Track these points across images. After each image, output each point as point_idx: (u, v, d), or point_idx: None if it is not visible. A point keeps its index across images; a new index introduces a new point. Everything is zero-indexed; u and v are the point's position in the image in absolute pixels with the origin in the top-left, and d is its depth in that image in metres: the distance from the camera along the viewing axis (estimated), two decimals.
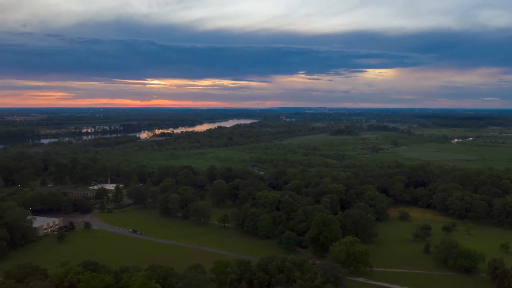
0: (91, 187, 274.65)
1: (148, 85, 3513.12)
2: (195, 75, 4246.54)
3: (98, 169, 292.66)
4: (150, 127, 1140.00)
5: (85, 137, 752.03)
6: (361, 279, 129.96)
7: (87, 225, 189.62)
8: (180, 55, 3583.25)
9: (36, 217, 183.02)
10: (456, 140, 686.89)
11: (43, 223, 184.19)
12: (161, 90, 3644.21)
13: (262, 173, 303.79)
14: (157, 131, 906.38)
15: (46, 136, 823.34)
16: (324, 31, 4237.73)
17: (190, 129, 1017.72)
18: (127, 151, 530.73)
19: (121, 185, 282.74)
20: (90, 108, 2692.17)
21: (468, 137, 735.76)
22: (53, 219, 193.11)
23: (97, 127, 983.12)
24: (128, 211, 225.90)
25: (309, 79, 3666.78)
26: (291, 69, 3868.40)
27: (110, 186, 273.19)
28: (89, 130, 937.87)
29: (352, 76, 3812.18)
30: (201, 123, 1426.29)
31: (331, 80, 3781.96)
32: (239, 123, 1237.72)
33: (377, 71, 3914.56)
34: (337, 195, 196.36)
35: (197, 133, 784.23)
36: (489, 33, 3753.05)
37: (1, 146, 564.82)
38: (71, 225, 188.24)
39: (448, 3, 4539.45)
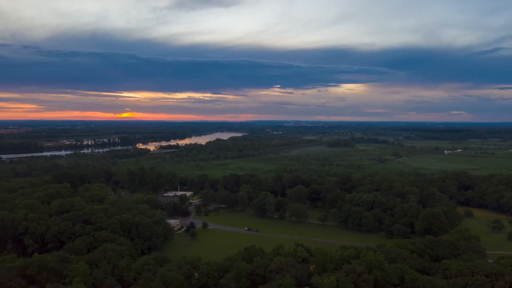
0: (169, 194, 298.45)
1: (120, 98, 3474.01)
2: (170, 88, 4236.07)
3: (168, 177, 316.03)
4: (144, 140, 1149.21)
5: (98, 150, 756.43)
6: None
7: (205, 225, 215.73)
8: (156, 68, 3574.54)
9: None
10: (447, 152, 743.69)
11: (172, 222, 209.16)
12: (135, 103, 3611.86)
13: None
14: (163, 144, 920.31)
15: (49, 149, 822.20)
16: (299, 47, 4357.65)
17: (181, 142, 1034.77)
18: (152, 162, 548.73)
19: (190, 192, 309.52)
20: (66, 121, 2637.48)
21: (456, 149, 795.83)
22: (175, 220, 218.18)
23: (96, 140, 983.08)
24: (222, 214, 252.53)
25: (284, 93, 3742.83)
26: (266, 83, 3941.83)
27: (180, 193, 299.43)
28: (89, 143, 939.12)
29: (323, 90, 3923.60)
30: (190, 136, 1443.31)
31: (304, 94, 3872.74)
32: (226, 136, 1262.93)
33: (348, 85, 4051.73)
34: (413, 196, 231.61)
35: (205, 145, 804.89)
36: (454, 51, 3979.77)
37: (8, 158, 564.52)
38: (192, 225, 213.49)
39: (415, 22, 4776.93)
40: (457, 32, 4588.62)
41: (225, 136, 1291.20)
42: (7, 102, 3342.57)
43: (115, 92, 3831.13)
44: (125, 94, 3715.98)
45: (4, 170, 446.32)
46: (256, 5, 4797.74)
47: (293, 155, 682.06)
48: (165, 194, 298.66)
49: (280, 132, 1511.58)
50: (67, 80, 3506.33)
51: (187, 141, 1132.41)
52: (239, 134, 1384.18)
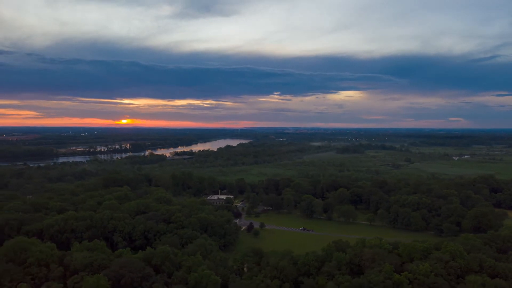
0: (213, 197, 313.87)
1: (120, 105, 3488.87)
2: (170, 95, 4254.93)
3: (209, 182, 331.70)
4: (153, 147, 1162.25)
5: (117, 156, 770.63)
6: None
7: (262, 225, 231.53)
8: (157, 75, 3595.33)
9: None
10: (456, 158, 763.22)
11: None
12: (135, 110, 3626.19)
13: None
14: (177, 150, 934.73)
15: (64, 155, 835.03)
16: (298, 55, 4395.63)
17: (188, 148, 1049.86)
18: (174, 168, 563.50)
19: (231, 196, 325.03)
20: (68, 128, 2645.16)
21: (464, 155, 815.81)
22: (234, 220, 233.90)
23: (109, 146, 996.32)
24: (271, 215, 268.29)
25: (282, 100, 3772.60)
26: (265, 90, 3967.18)
27: (222, 196, 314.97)
28: (102, 149, 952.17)
29: (322, 97, 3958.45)
30: (196, 142, 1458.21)
31: (302, 101, 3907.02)
32: (231, 142, 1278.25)
33: (347, 92, 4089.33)
34: (454, 197, 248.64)
35: (218, 152, 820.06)
36: (452, 58, 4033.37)
37: (33, 165, 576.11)
38: (251, 225, 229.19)
39: (412, 30, 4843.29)
40: (454, 40, 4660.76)
41: (230, 142, 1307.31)
42: (5, 108, 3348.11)
43: (114, 99, 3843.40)
44: (124, 101, 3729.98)
45: (38, 175, 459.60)
46: (256, 14, 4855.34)
47: (306, 161, 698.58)
48: (209, 198, 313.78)
49: (284, 139, 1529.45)
50: (67, 87, 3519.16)
51: (195, 147, 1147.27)
52: (245, 141, 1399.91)
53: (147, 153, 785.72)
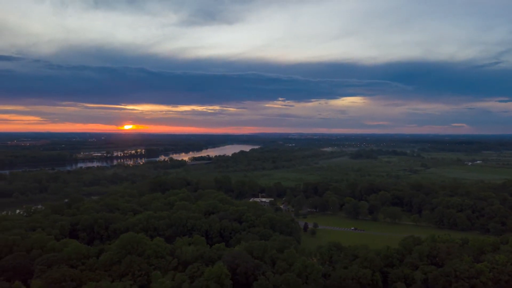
0: (255, 199, 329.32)
1: (123, 111, 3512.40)
2: (173, 101, 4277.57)
3: (250, 185, 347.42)
4: (166, 152, 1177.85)
5: (134, 161, 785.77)
6: None
7: (315, 225, 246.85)
8: (162, 81, 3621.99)
9: None
10: (469, 163, 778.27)
11: None
12: (139, 115, 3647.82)
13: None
14: (194, 155, 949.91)
15: (83, 160, 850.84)
16: (302, 61, 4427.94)
17: (199, 154, 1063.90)
18: (199, 172, 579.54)
19: (271, 198, 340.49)
20: (75, 133, 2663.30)
21: (476, 160, 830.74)
22: None
23: (125, 151, 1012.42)
24: (317, 217, 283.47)
25: (284, 106, 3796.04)
26: (268, 96, 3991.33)
27: (266, 199, 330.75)
28: (118, 154, 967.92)
29: (324, 103, 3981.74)
30: (206, 148, 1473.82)
31: (305, 107, 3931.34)
32: (240, 148, 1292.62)
33: (350, 98, 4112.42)
34: (494, 199, 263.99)
35: (235, 157, 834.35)
36: (454, 64, 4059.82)
37: (56, 170, 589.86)
38: (306, 225, 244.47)
39: (415, 37, 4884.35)
40: (457, 46, 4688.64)
41: (239, 148, 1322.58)
42: (9, 114, 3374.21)
43: (118, 105, 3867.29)
44: (128, 106, 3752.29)
45: (72, 179, 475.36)
46: (260, 22, 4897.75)
47: (324, 166, 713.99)
48: (252, 200, 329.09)
49: (293, 144, 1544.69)
50: (72, 93, 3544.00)
51: (206, 153, 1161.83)
52: (254, 146, 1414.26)
53: (166, 158, 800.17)
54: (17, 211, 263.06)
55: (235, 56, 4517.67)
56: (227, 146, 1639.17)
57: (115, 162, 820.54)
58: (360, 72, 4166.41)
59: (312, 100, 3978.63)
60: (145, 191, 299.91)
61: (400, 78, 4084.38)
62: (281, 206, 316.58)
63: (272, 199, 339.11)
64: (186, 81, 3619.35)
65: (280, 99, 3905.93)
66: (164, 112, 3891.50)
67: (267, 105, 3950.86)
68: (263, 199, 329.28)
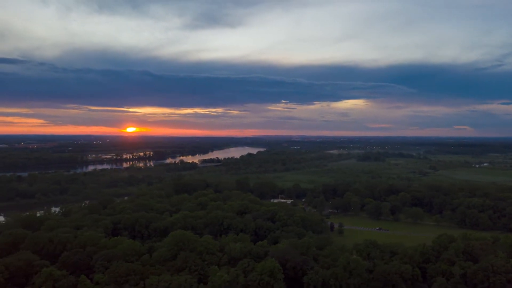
0: (275, 200, 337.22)
1: (126, 113, 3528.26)
2: (176, 104, 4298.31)
3: (270, 186, 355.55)
4: (173, 155, 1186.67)
5: (143, 163, 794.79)
6: None
7: (341, 225, 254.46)
8: (165, 84, 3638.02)
9: None
10: (477, 165, 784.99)
11: None
12: (141, 118, 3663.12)
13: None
14: (204, 158, 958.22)
15: (93, 163, 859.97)
16: (304, 64, 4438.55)
17: (205, 157, 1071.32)
18: (213, 174, 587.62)
19: (291, 200, 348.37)
20: (79, 136, 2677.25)
21: (483, 163, 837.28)
22: None
23: (134, 153, 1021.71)
24: (340, 217, 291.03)
25: (287, 108, 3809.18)
26: (271, 99, 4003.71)
27: (288, 200, 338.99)
28: (128, 157, 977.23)
29: (327, 106, 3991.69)
30: (212, 150, 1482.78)
31: (307, 109, 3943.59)
32: (247, 150, 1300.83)
33: (352, 101, 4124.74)
34: None
35: (244, 159, 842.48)
36: (456, 67, 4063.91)
37: (72, 172, 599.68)
38: (332, 225, 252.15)
39: (417, 39, 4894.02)
40: (459, 49, 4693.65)
41: (245, 150, 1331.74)
42: (12, 117, 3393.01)
43: (121, 107, 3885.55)
44: (130, 109, 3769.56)
45: (89, 181, 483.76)
46: (263, 25, 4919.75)
47: (334, 168, 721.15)
48: (273, 201, 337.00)
49: (298, 147, 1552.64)
50: (76, 95, 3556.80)
51: (212, 155, 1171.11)
52: (259, 149, 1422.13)
53: (177, 160, 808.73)
54: (53, 210, 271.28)
55: (238, 58, 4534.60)
56: (231, 149, 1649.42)
57: (125, 164, 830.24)
58: (362, 74, 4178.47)
59: (315, 102, 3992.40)
60: (170, 192, 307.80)
61: (402, 80, 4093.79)
62: (302, 207, 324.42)
63: (292, 200, 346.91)
64: (190, 83, 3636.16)
65: (283, 101, 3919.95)
66: (166, 115, 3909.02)
67: (269, 107, 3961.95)
68: (283, 200, 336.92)
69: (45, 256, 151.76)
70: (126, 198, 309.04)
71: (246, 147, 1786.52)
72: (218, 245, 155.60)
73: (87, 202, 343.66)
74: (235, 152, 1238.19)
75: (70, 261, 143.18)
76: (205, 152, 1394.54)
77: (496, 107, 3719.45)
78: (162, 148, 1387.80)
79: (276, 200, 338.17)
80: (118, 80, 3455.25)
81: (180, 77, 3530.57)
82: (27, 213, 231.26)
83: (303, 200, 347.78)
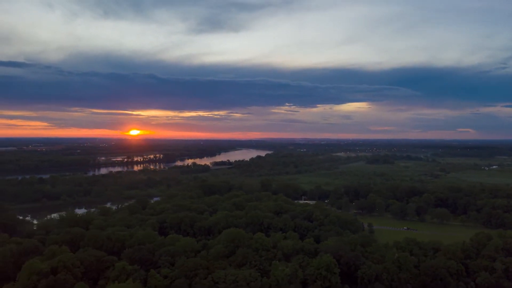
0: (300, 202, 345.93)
1: (129, 116, 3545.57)
2: (179, 107, 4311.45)
3: (294, 188, 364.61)
4: (181, 157, 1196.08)
5: (154, 165, 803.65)
6: None
7: (370, 225, 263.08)
8: (169, 87, 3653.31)
9: None
10: (487, 168, 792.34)
11: None
12: (144, 121, 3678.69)
13: None
14: (216, 160, 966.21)
15: (105, 165, 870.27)
16: (307, 67, 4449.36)
17: (213, 159, 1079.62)
18: (228, 176, 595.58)
19: (313, 201, 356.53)
20: (84, 138, 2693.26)
21: (492, 165, 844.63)
22: None
23: (144, 156, 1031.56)
24: (365, 218, 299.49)
25: (290, 111, 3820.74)
26: (274, 102, 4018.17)
27: (311, 201, 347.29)
28: (139, 159, 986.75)
29: (329, 108, 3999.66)
30: (219, 153, 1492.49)
31: (310, 112, 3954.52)
32: (253, 153, 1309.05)
33: (355, 104, 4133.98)
34: None
35: (254, 162, 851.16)
36: (461, 70, 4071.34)
37: (89, 174, 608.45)
38: (362, 225, 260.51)
39: (420, 42, 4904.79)
40: (462, 52, 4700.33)
41: (251, 153, 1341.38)
42: (16, 119, 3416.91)
43: (125, 110, 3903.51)
44: (134, 112, 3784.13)
45: (109, 183, 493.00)
46: (266, 29, 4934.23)
47: (345, 170, 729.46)
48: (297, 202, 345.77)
49: (304, 150, 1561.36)
50: (80, 98, 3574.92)
51: (219, 158, 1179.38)
52: (265, 152, 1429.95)
53: (189, 163, 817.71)
54: (92, 209, 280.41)
55: (241, 62, 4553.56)
56: (237, 151, 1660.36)
57: (136, 167, 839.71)
58: (366, 77, 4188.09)
59: (318, 105, 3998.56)
60: (199, 194, 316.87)
61: (406, 83, 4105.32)
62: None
63: (315, 201, 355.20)
64: (194, 87, 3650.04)
65: (287, 104, 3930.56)
66: (170, 118, 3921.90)
67: (272, 110, 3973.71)
68: (306, 202, 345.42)
69: (105, 252, 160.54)
70: (157, 199, 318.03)
71: (252, 149, 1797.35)
72: (271, 242, 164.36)
73: (108, 203, 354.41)
74: (242, 155, 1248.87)
75: (135, 257, 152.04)
76: (212, 154, 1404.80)
77: (499, 110, 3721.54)
78: (169, 151, 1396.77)
79: (301, 202, 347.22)
80: (123, 84, 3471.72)
81: (185, 80, 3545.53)
82: (70, 213, 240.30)
83: (326, 201, 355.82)
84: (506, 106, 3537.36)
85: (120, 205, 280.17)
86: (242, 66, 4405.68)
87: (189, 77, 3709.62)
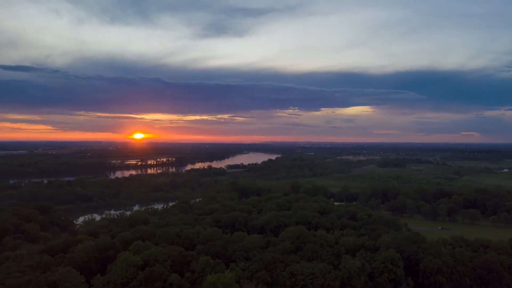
0: None
1: (133, 120, 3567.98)
2: (183, 110, 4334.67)
3: (322, 190, 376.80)
4: (192, 161, 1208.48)
5: (165, 168, 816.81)
6: None
7: (406, 225, 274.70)
8: (173, 91, 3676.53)
9: None
10: (498, 171, 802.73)
11: None
12: (148, 124, 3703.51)
13: None
14: (229, 164, 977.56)
15: (121, 168, 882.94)
16: (311, 71, 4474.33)
17: (223, 163, 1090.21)
18: (247, 179, 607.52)
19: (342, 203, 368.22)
20: (91, 141, 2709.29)
21: (503, 169, 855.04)
22: None
23: (157, 159, 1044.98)
24: (396, 218, 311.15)
25: (294, 115, 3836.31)
26: (278, 105, 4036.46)
27: (336, 203, 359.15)
28: (153, 162, 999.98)
29: (332, 112, 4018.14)
30: (227, 157, 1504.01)
31: (313, 116, 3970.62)
32: (262, 156, 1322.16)
33: (358, 107, 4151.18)
34: None
35: (267, 165, 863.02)
36: (465, 73, 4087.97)
37: (115, 177, 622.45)
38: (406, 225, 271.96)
39: (424, 46, 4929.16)
40: (464, 56, 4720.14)
41: (259, 156, 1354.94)
42: (20, 123, 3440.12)
43: (129, 114, 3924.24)
44: (138, 116, 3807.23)
45: (135, 185, 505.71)
46: (271, 34, 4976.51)
47: (359, 173, 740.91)
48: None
49: (312, 153, 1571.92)
50: (84, 102, 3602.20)
51: (228, 161, 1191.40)
52: (273, 155, 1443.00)
53: (205, 166, 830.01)
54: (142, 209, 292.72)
55: (246, 66, 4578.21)
56: (245, 155, 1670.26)
57: (150, 170, 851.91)
58: (370, 81, 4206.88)
59: (321, 109, 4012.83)
60: (235, 196, 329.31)
61: (410, 86, 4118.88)
62: None
63: (343, 203, 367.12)
64: (199, 91, 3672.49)
65: (291, 108, 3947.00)
66: (174, 121, 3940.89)
67: (275, 114, 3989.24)
68: (335, 203, 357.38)
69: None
70: (197, 200, 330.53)
71: (258, 152, 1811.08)
72: (334, 238, 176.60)
73: (136, 205, 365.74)
74: (252, 158, 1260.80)
75: (211, 252, 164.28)
76: (221, 158, 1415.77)
77: (504, 113, 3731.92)
78: (179, 154, 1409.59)
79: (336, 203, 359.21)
80: (128, 88, 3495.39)
81: (191, 84, 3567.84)
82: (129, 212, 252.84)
83: (354, 203, 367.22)
84: (511, 110, 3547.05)
85: (165, 206, 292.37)
86: (246, 70, 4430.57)
87: (195, 81, 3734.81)
